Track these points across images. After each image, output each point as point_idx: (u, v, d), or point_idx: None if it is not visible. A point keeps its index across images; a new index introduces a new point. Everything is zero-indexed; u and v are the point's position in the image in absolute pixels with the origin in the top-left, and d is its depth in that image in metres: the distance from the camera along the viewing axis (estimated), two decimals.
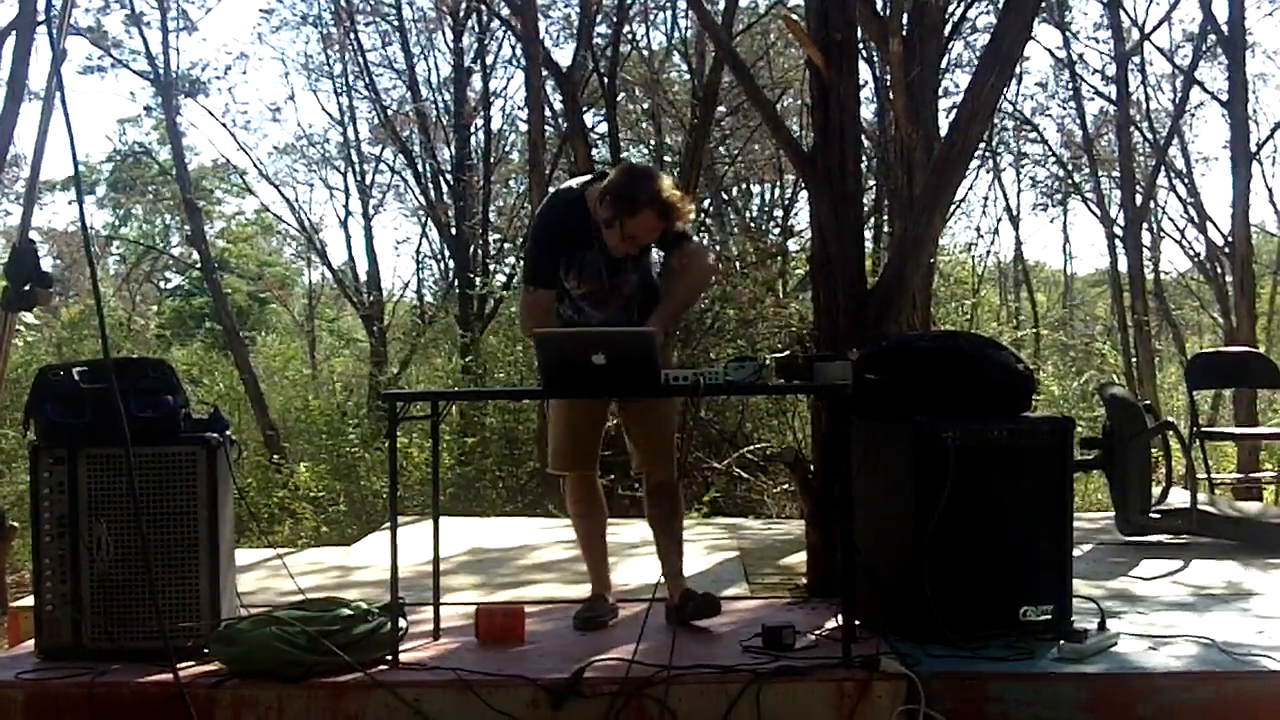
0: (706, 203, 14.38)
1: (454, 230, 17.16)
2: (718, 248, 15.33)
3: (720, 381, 3.53)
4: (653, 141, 14.92)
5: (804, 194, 14.29)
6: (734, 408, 11.47)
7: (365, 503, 11.48)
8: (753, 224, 17.16)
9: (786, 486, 9.92)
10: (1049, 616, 3.74)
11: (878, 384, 3.87)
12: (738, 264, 12.82)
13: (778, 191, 17.56)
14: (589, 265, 3.96)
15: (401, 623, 3.66)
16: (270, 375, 17.39)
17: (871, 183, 13.52)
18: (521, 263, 16.31)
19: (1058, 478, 3.81)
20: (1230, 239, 13.54)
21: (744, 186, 17.60)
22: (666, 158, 14.57)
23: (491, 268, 17.31)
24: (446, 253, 18.78)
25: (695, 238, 4.13)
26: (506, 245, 17.97)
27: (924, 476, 3.69)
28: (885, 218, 13.71)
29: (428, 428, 4.18)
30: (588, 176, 4.10)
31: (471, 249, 17.13)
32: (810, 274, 5.18)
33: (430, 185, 17.67)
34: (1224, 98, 14.03)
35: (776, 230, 16.67)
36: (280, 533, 10.96)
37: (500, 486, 12.01)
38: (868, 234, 12.93)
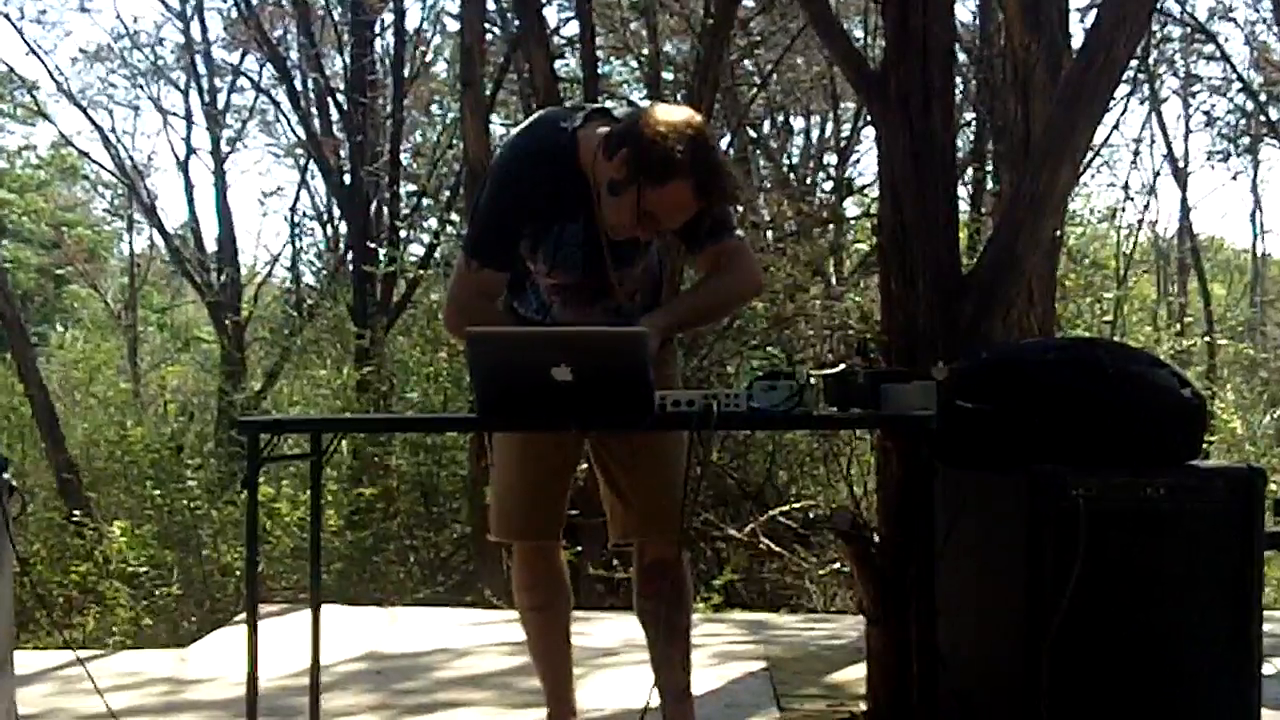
0: (726, 143, 14.42)
1: (348, 178, 17.17)
2: (740, 208, 15.36)
3: (742, 409, 3.53)
4: (645, 51, 14.95)
5: (869, 132, 14.36)
6: (761, 448, 11.49)
7: (210, 583, 11.46)
8: (793, 175, 17.22)
9: (838, 566, 9.94)
10: None
11: (976, 415, 3.88)
12: (770, 234, 12.85)
13: (830, 128, 17.62)
14: (569, 244, 3.88)
15: None
16: (70, 390, 17.36)
17: (969, 116, 13.59)
18: (456, 226, 16.41)
19: (1239, 556, 3.82)
20: None
21: (781, 120, 17.65)
22: (667, 75, 14.60)
23: (403, 234, 17.34)
24: (336, 212, 18.82)
25: (740, 231, 4.04)
26: (426, 201, 18.00)
27: (1043, 552, 3.70)
28: (989, 169, 13.78)
29: (305, 472, 4.18)
30: (584, 109, 3.97)
31: (374, 206, 17.16)
32: (877, 251, 5.20)
33: (313, 111, 17.68)
34: None
35: (828, 185, 16.73)
36: (83, 626, 10.94)
37: (412, 561, 12.00)
38: (963, 192, 13.02)
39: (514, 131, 4.19)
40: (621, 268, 3.95)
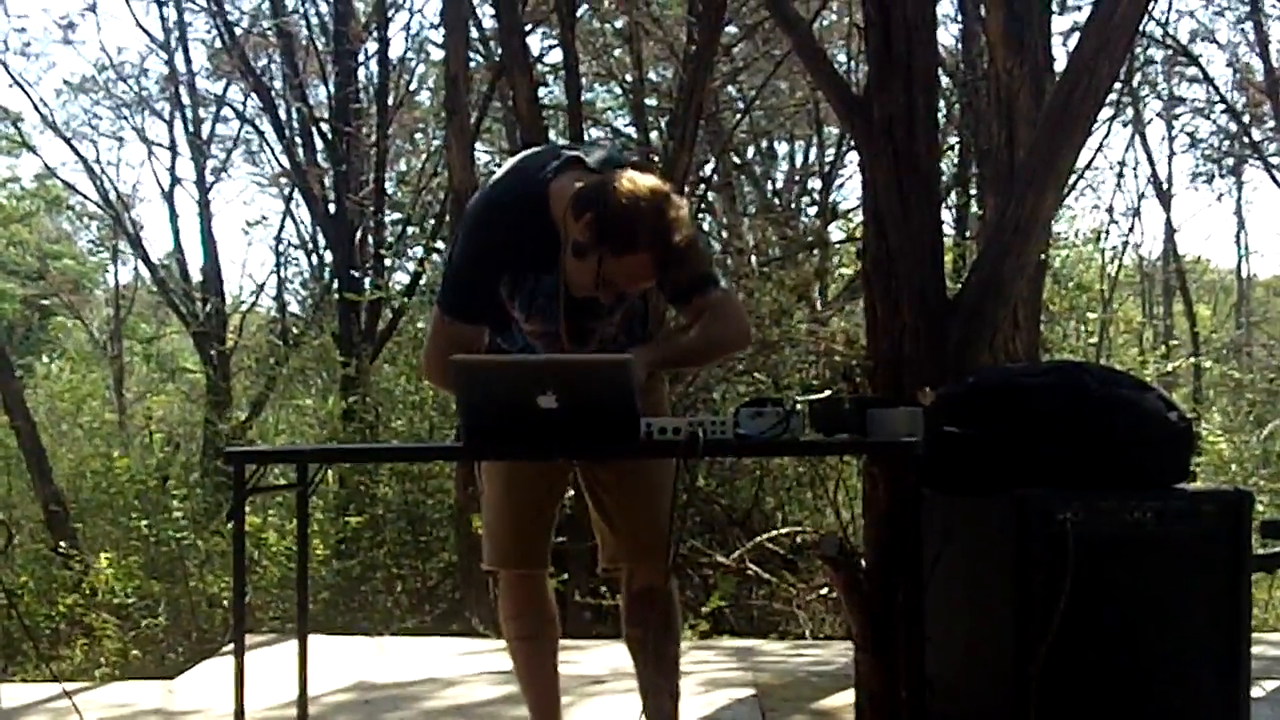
0: (709, 168, 14.43)
1: (332, 207, 17.15)
2: (724, 234, 15.38)
3: (729, 436, 3.52)
4: (629, 77, 14.97)
5: (853, 157, 14.37)
6: (748, 474, 11.47)
7: (197, 614, 11.41)
8: (777, 200, 17.24)
9: (826, 591, 9.92)
10: None
11: (962, 440, 3.88)
12: (754, 259, 12.85)
13: (814, 153, 17.65)
14: (544, 294, 3.87)
15: None
16: (56, 422, 17.31)
17: (953, 140, 13.61)
18: (441, 254, 16.35)
19: (1228, 579, 3.81)
20: None
21: (764, 145, 17.69)
22: (650, 101, 14.62)
23: (388, 262, 17.32)
24: (321, 240, 18.79)
25: (722, 282, 4.02)
26: (411, 230, 17.99)
27: (1031, 577, 3.70)
28: (973, 193, 13.80)
29: (292, 502, 4.17)
30: (560, 156, 3.93)
31: (358, 235, 17.13)
32: (862, 275, 5.20)
33: (297, 140, 17.67)
34: None
35: (812, 210, 16.75)
36: (69, 658, 10.89)
37: (399, 590, 11.96)
38: (947, 216, 13.03)
39: (489, 180, 4.16)
40: (598, 319, 3.94)
